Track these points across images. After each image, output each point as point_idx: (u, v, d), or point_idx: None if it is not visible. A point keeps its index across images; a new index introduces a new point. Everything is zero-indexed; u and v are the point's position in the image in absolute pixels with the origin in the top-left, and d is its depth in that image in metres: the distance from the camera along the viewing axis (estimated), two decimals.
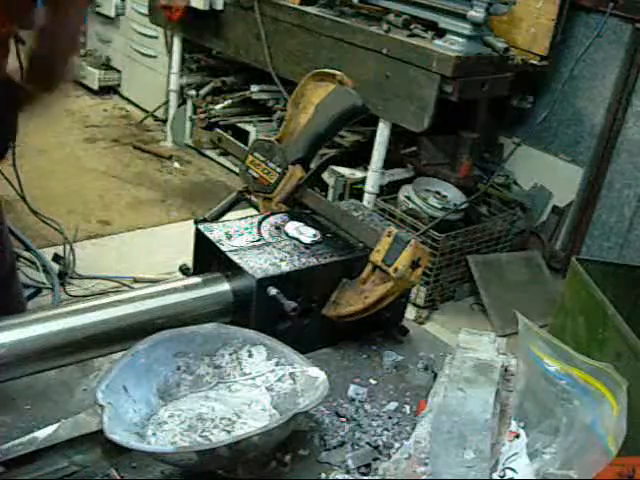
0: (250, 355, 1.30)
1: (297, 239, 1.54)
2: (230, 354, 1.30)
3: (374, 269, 1.45)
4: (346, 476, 1.18)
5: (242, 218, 1.61)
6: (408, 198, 3.71)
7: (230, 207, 1.78)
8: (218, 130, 1.92)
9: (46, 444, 1.11)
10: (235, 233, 1.53)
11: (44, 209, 3.77)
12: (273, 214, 1.64)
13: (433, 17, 3.49)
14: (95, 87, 5.80)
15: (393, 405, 1.37)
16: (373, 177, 3.75)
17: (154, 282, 1.96)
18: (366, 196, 3.78)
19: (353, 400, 1.37)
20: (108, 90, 5.89)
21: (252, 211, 1.75)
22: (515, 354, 1.37)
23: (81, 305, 1.31)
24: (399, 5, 3.66)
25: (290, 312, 1.37)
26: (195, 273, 1.53)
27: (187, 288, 1.42)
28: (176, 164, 4.91)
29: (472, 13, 3.24)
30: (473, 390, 1.28)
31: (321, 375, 1.22)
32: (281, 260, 1.45)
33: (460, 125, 3.81)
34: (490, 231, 3.86)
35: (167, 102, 5.22)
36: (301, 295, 1.43)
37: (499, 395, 1.30)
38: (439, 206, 3.67)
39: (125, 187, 4.45)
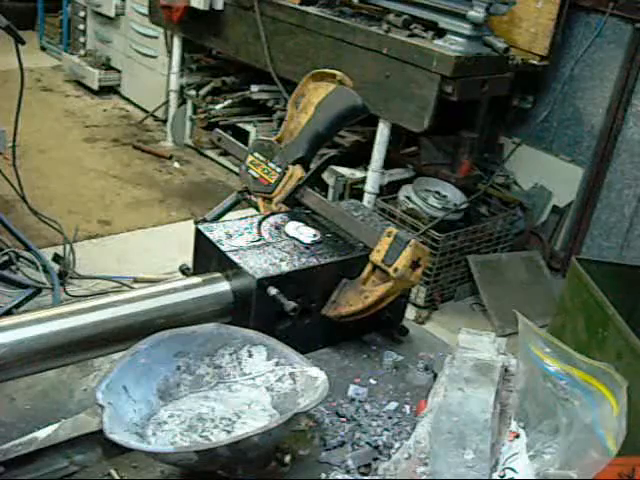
0: (250, 355, 1.30)
1: (297, 239, 1.54)
2: (230, 354, 1.30)
3: (374, 269, 1.45)
4: (346, 476, 1.18)
5: (242, 218, 1.61)
6: (408, 198, 3.71)
7: (230, 207, 1.78)
8: (218, 130, 1.91)
9: (46, 444, 1.12)
10: (235, 233, 1.53)
11: (44, 209, 3.77)
12: (273, 214, 1.64)
13: (433, 17, 3.49)
14: (95, 87, 5.81)
15: (393, 405, 1.37)
16: (373, 177, 3.75)
17: (154, 282, 1.96)
18: (366, 196, 3.78)
19: (353, 400, 1.37)
20: (108, 90, 5.89)
21: (252, 211, 1.75)
22: (515, 354, 1.37)
23: (81, 305, 1.31)
24: (399, 5, 3.66)
25: (290, 312, 1.37)
26: (195, 273, 1.53)
27: (187, 288, 1.42)
28: (176, 164, 4.91)
29: (472, 13, 3.24)
30: (473, 390, 1.28)
31: (321, 375, 1.22)
32: (281, 260, 1.45)
33: (460, 125, 3.81)
34: (490, 231, 3.86)
35: (167, 102, 5.22)
36: (301, 295, 1.43)
37: (499, 395, 1.30)
38: (439, 206, 3.67)
39: (125, 187, 4.45)
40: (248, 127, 4.70)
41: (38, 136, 4.86)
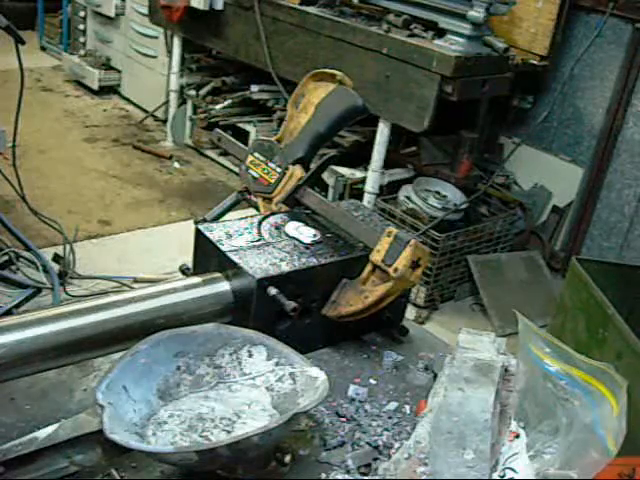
0: (250, 355, 1.30)
1: (297, 239, 1.54)
2: (230, 354, 1.30)
3: (374, 269, 1.45)
4: (346, 476, 1.18)
5: (242, 218, 1.61)
6: (408, 198, 3.71)
7: (230, 207, 1.78)
8: (218, 130, 1.91)
9: (46, 444, 1.11)
10: (235, 233, 1.53)
11: (44, 209, 3.78)
12: (273, 214, 1.64)
13: (433, 17, 3.49)
14: (95, 87, 5.81)
15: (393, 405, 1.37)
16: (373, 177, 3.75)
17: (154, 282, 1.95)
18: (366, 196, 3.78)
19: (353, 400, 1.37)
20: (108, 90, 5.89)
21: (252, 211, 1.75)
22: (515, 354, 1.37)
23: (81, 305, 1.31)
24: (399, 5, 3.66)
25: (290, 312, 1.37)
26: (195, 273, 1.53)
27: (187, 288, 1.42)
28: (176, 164, 4.91)
29: (472, 13, 3.24)
30: (473, 390, 1.28)
31: (321, 375, 1.22)
32: (281, 260, 1.45)
33: (460, 125, 3.81)
34: (490, 231, 3.86)
35: (167, 102, 5.22)
36: (301, 295, 1.43)
37: (499, 395, 1.30)
38: (439, 206, 3.67)
39: (125, 187, 4.45)
40: (248, 127, 4.70)
41: (38, 136, 4.86)
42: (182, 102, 5.12)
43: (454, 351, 1.40)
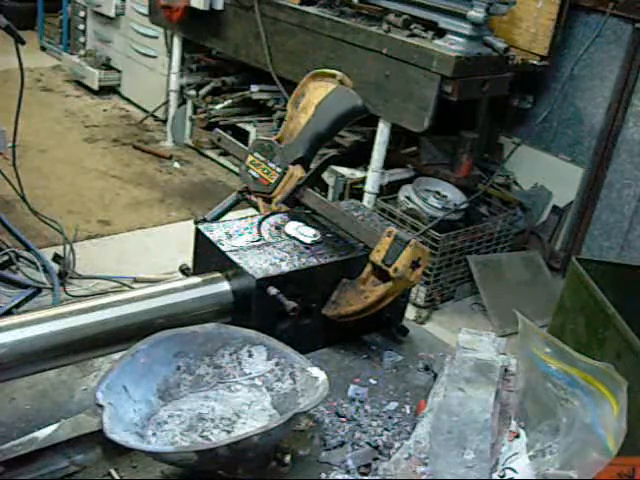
0: (250, 355, 1.30)
1: (297, 239, 1.54)
2: (230, 354, 1.30)
3: (374, 269, 1.45)
4: (346, 476, 1.18)
5: (242, 218, 1.61)
6: (408, 198, 3.71)
7: (230, 207, 1.78)
8: (218, 130, 1.91)
9: (46, 444, 1.12)
10: (235, 233, 1.53)
11: (44, 209, 3.77)
12: (273, 214, 1.64)
13: (433, 17, 3.49)
14: (95, 87, 5.80)
15: (393, 405, 1.37)
16: (373, 177, 3.75)
17: (154, 282, 1.96)
18: (366, 196, 3.78)
19: (353, 400, 1.37)
20: (108, 90, 5.89)
21: (252, 211, 1.76)
22: (515, 354, 1.37)
23: (81, 305, 1.31)
24: (399, 5, 3.66)
25: (290, 312, 1.37)
26: (195, 273, 1.53)
27: (187, 288, 1.42)
28: (176, 164, 4.91)
29: (472, 13, 3.24)
30: (473, 390, 1.28)
31: (321, 375, 1.22)
32: (281, 260, 1.45)
33: (460, 125, 3.81)
34: (490, 231, 3.86)
35: (167, 102, 5.22)
36: (301, 295, 1.43)
37: (499, 395, 1.30)
38: (439, 206, 3.67)
39: (125, 187, 4.45)
40: (248, 127, 4.70)
41: (38, 136, 4.85)
42: (182, 102, 5.12)
43: (454, 351, 1.40)
